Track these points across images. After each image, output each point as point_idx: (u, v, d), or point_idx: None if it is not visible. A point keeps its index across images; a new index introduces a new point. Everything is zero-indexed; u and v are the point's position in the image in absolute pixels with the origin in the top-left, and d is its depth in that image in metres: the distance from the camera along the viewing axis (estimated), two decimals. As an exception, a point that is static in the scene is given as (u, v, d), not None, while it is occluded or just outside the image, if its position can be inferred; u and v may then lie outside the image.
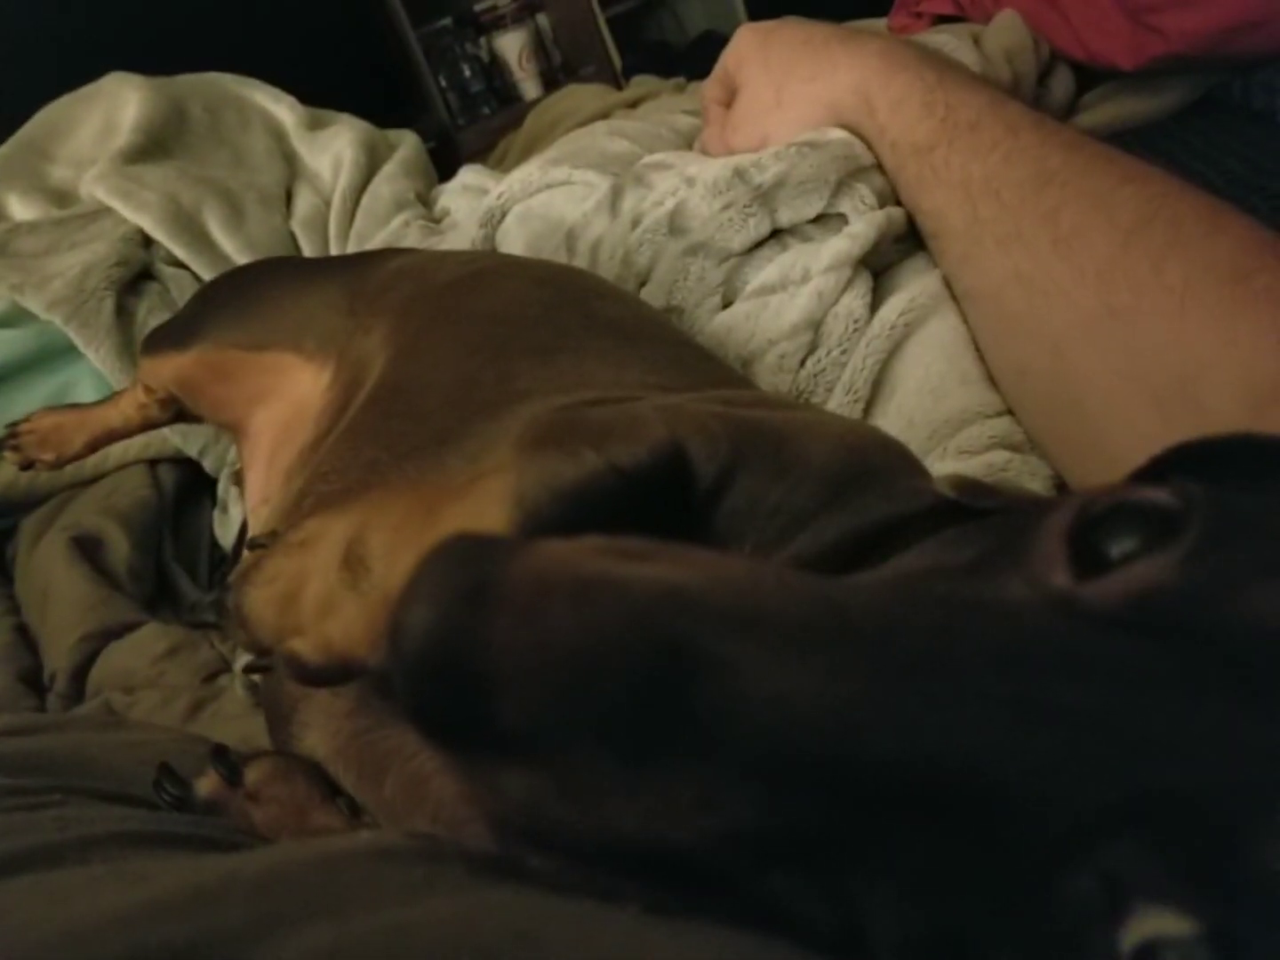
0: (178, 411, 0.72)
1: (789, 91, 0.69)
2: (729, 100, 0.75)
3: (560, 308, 0.54)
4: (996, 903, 0.19)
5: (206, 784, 0.39)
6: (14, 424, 0.75)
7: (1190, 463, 0.26)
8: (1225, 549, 0.21)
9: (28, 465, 0.75)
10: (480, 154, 1.31)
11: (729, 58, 0.75)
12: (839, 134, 0.64)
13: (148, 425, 0.75)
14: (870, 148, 0.64)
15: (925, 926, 0.20)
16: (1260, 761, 0.18)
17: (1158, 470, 0.27)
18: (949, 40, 0.84)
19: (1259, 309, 0.44)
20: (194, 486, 0.87)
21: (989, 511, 0.30)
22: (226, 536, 0.80)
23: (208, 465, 0.85)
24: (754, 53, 0.72)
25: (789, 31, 0.72)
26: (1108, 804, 0.18)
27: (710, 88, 0.78)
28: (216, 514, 0.82)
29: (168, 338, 0.70)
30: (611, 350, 0.50)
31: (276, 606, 0.31)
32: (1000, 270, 0.54)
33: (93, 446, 0.76)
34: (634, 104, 1.21)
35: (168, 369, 0.68)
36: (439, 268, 0.62)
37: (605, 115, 1.14)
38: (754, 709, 0.19)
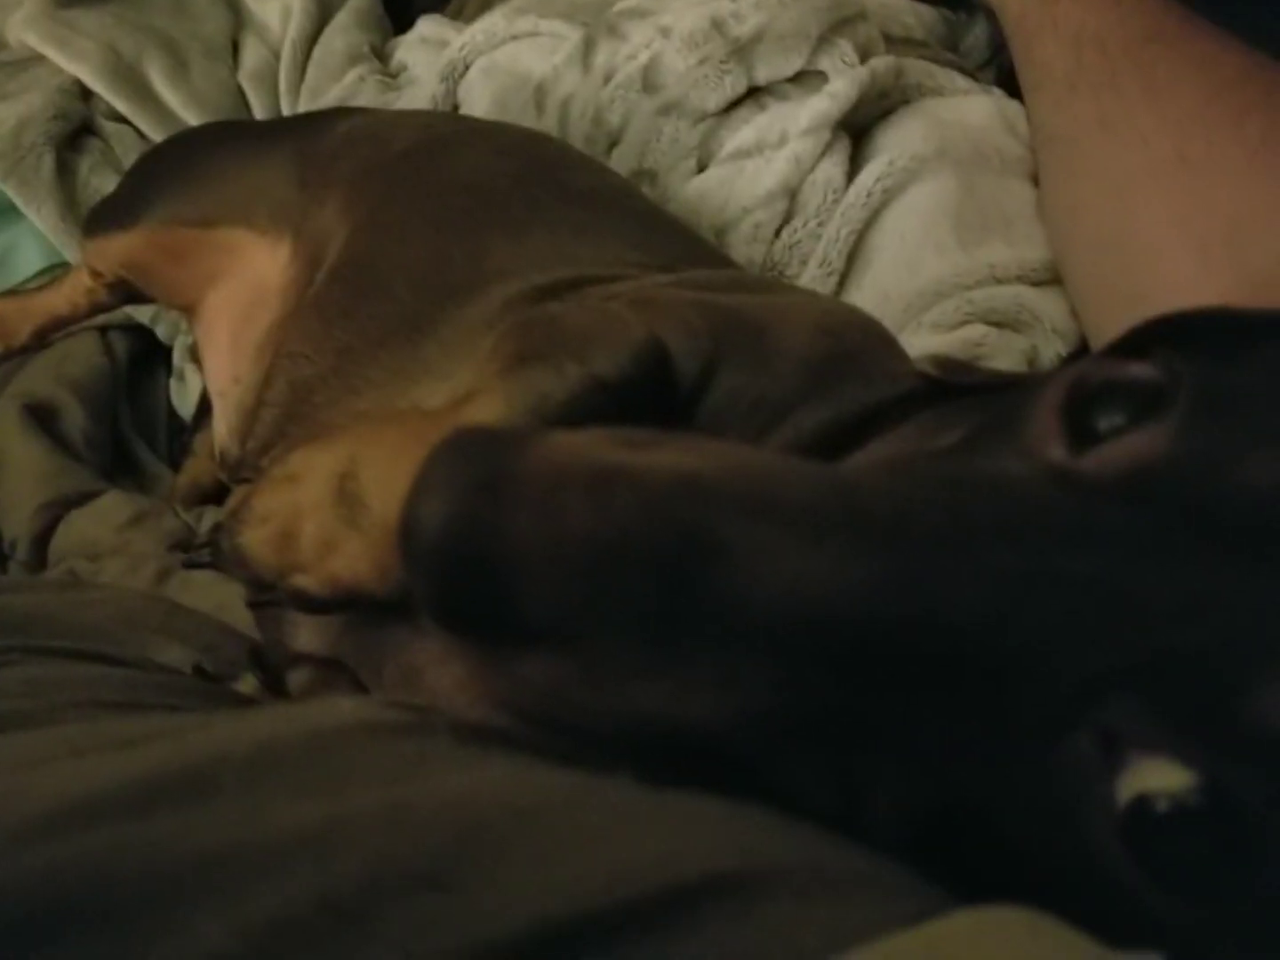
0: (127, 293, 0.70)
1: None
2: None
3: (529, 179, 0.52)
4: (1000, 768, 0.20)
5: (246, 687, 0.40)
6: None
7: (1166, 336, 0.27)
8: (1213, 420, 0.21)
9: None
10: (436, 5, 1.23)
11: None
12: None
13: (97, 310, 0.72)
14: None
15: (930, 797, 0.21)
16: (1258, 620, 0.19)
17: (1136, 343, 0.28)
18: None
19: None
20: (147, 354, 0.84)
21: (966, 391, 0.30)
22: (185, 405, 0.78)
23: (160, 333, 0.82)
24: None
25: None
26: (1110, 666, 0.19)
27: None
28: (173, 383, 0.80)
29: (111, 216, 0.66)
30: (586, 224, 0.49)
31: (274, 545, 0.32)
32: (1087, 115, 0.56)
33: (40, 335, 0.74)
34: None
35: (114, 250, 0.65)
36: (393, 133, 0.60)
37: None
38: (771, 589, 0.19)
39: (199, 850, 0.18)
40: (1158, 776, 0.18)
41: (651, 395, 0.33)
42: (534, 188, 0.51)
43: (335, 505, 0.31)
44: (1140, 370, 0.23)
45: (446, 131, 0.60)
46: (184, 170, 0.64)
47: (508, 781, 0.21)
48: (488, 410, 0.32)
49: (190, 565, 0.36)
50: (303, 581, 0.31)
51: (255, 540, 0.32)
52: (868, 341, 0.37)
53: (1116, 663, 0.19)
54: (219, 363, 0.62)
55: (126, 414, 0.79)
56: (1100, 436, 0.22)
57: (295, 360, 0.49)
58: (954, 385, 0.31)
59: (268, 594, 0.33)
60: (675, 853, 0.19)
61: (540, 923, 0.17)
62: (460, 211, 0.50)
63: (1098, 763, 0.19)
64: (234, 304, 0.60)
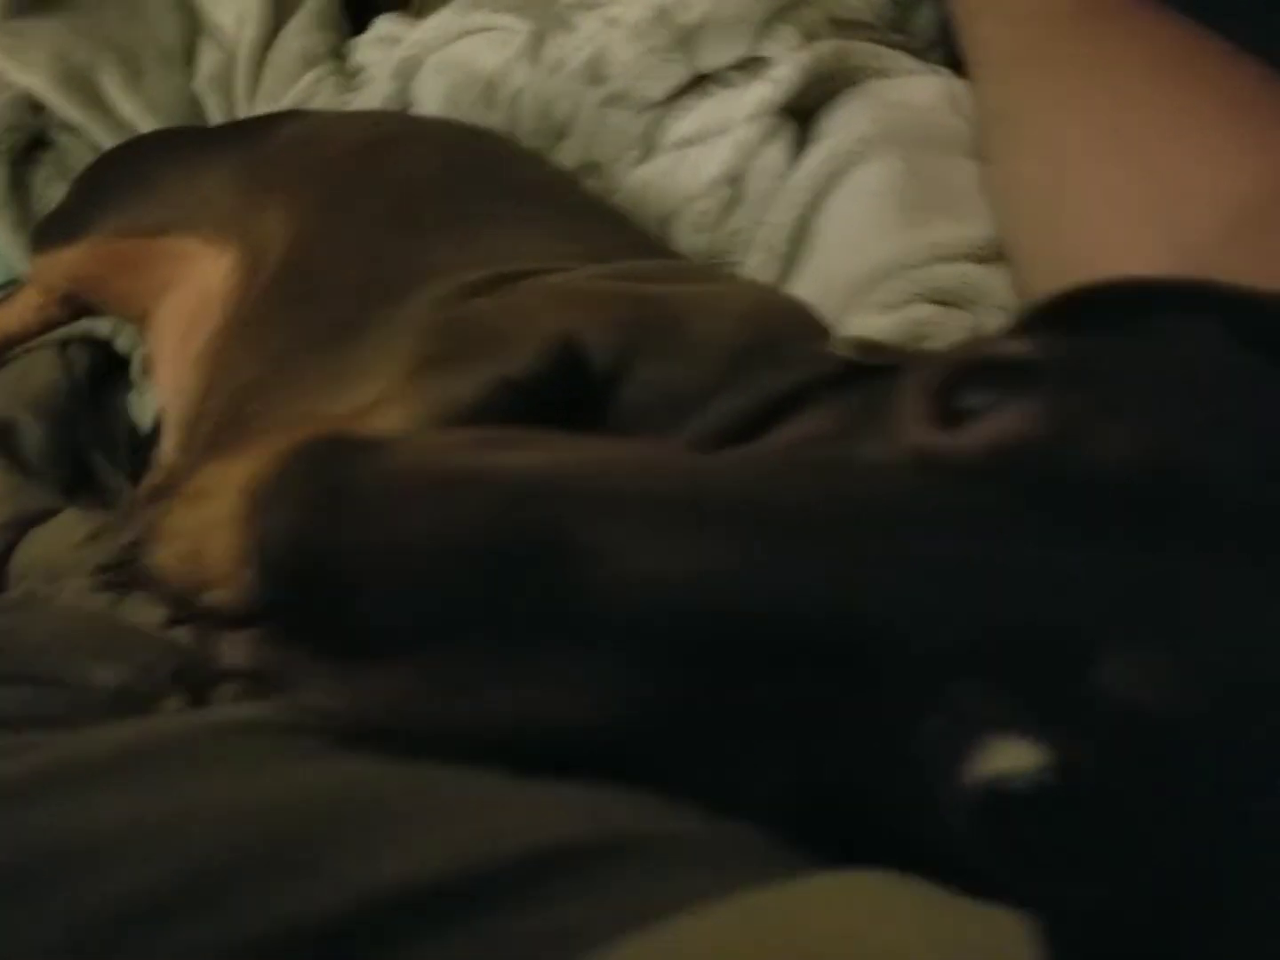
0: (81, 307, 0.69)
1: None
2: None
3: (466, 175, 0.52)
4: (864, 752, 0.20)
5: (173, 706, 0.39)
6: None
7: (1063, 312, 0.27)
8: (1079, 395, 0.21)
9: None
10: (397, 4, 1.22)
11: None
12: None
13: (50, 326, 0.72)
14: None
15: (800, 783, 0.20)
16: (1104, 592, 0.19)
17: (1030, 321, 0.28)
18: None
19: (1252, 131, 0.46)
20: (109, 367, 0.83)
21: (884, 373, 0.30)
22: (145, 418, 0.77)
23: (120, 346, 0.82)
24: None
25: None
26: (961, 645, 0.19)
27: None
28: (133, 395, 0.79)
29: (56, 230, 0.66)
30: (523, 218, 0.49)
31: (186, 563, 0.31)
32: (1028, 90, 0.55)
33: None
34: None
35: (61, 265, 0.65)
36: (335, 135, 0.60)
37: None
38: (619, 588, 0.19)
39: (28, 850, 0.18)
40: (1010, 756, 0.18)
41: (563, 391, 0.33)
42: (471, 184, 0.51)
43: (243, 520, 0.30)
44: (1014, 348, 0.23)
45: (387, 131, 0.59)
46: (128, 180, 0.64)
47: (363, 771, 0.21)
48: (393, 416, 0.32)
49: (108, 586, 0.35)
50: (215, 598, 0.31)
51: (166, 559, 0.32)
52: (793, 329, 0.37)
53: (967, 643, 0.19)
54: (165, 374, 0.61)
55: (87, 429, 0.79)
56: (970, 416, 0.22)
57: (232, 369, 0.48)
58: (870, 368, 0.30)
59: (184, 611, 0.33)
60: (522, 828, 0.19)
61: (370, 900, 0.17)
62: (396, 211, 0.50)
63: (953, 745, 0.19)
64: (180, 314, 0.60)
